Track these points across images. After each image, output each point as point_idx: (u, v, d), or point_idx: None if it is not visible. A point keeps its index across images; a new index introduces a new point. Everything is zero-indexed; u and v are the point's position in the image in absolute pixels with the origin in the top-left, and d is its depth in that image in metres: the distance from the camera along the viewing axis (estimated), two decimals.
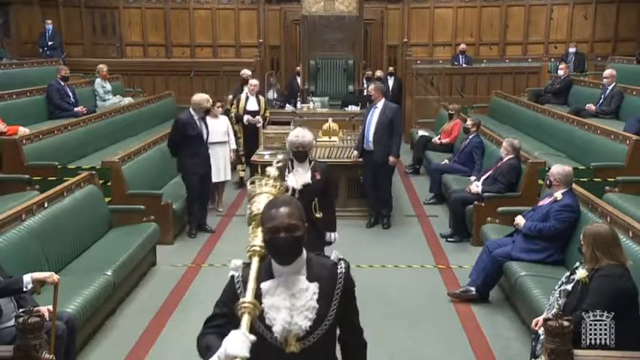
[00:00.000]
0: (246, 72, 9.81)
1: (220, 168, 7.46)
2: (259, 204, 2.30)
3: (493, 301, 5.22)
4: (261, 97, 8.96)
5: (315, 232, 4.35)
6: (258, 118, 8.70)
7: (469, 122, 8.27)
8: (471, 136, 8.15)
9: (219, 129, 7.44)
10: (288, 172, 4.45)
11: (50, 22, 12.50)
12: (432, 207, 7.96)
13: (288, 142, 4.52)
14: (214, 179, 7.26)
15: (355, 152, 7.27)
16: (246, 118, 8.62)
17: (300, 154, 4.46)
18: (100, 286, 4.55)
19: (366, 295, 5.11)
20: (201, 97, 6.83)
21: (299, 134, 4.48)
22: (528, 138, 8.72)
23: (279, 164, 3.12)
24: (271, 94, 11.40)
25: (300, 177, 4.45)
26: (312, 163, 4.57)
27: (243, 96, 8.79)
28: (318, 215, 4.45)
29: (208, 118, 7.02)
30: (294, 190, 4.35)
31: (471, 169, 7.86)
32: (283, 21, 13.57)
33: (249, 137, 8.76)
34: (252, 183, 2.44)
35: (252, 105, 8.76)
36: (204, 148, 6.82)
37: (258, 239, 2.15)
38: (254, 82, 8.93)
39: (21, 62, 11.08)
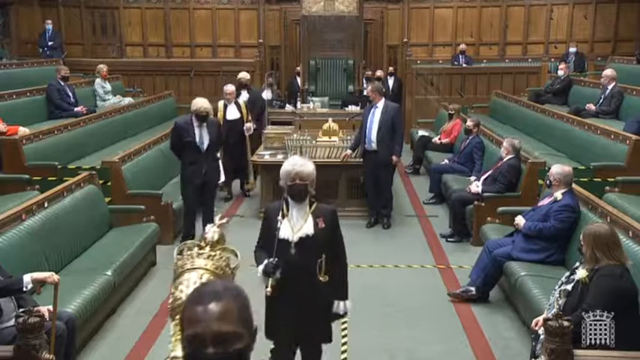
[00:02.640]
0: (244, 75, 8.96)
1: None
2: (188, 287, 1.65)
3: (493, 301, 5.22)
4: (241, 103, 8.06)
5: (322, 303, 3.41)
6: (248, 125, 7.94)
7: (470, 123, 8.24)
8: (471, 137, 8.15)
9: None
10: (283, 217, 3.33)
11: (50, 22, 12.47)
12: (432, 207, 7.96)
13: (282, 172, 3.33)
14: None
15: (348, 151, 7.22)
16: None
17: (298, 189, 3.28)
18: (100, 286, 4.55)
19: (366, 295, 5.14)
20: (195, 102, 6.10)
21: (297, 162, 3.33)
22: (528, 138, 8.72)
23: (223, 221, 2.27)
24: (266, 95, 11.06)
25: (296, 224, 3.32)
26: (314, 205, 3.37)
27: (220, 104, 7.87)
28: (322, 279, 3.32)
29: None
30: (289, 243, 3.29)
31: (471, 169, 7.85)
32: (283, 21, 13.54)
33: (233, 148, 7.83)
34: (180, 253, 1.77)
35: (233, 113, 7.91)
36: (202, 156, 6.08)
37: (180, 347, 1.38)
38: (229, 88, 7.98)
39: (21, 62, 11.07)
